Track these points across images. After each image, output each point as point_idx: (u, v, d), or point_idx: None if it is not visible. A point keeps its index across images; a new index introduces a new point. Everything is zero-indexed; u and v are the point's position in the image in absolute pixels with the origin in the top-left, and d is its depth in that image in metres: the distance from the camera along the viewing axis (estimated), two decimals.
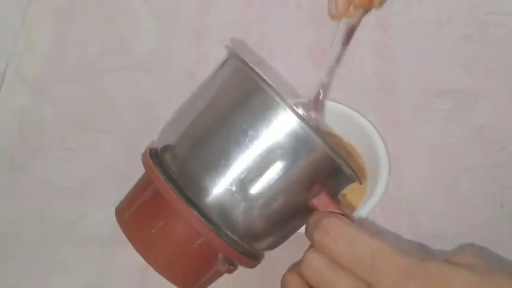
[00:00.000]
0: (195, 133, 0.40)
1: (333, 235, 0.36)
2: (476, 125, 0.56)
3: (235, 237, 0.40)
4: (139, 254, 0.41)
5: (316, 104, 0.49)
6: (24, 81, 0.61)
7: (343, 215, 0.39)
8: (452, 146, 0.55)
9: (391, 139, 0.54)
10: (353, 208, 0.49)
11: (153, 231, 0.40)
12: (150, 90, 0.60)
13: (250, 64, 0.39)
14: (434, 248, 0.50)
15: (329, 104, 0.54)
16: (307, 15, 0.64)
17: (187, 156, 0.40)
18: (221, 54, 0.42)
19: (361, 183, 0.41)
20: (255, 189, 0.38)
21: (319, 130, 0.38)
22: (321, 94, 0.49)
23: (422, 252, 0.49)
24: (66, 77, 0.61)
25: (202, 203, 0.39)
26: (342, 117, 0.54)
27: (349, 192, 0.50)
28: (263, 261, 0.43)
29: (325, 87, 0.49)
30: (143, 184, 0.43)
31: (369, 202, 0.48)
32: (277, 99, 0.37)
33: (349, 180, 0.40)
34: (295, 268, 0.38)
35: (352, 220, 0.39)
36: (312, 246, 0.38)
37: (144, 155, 0.43)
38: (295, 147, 0.37)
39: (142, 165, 0.44)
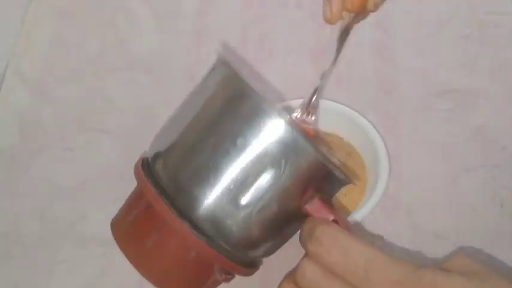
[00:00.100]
0: (184, 144, 0.40)
1: (326, 245, 0.36)
2: (476, 125, 0.56)
3: (229, 248, 0.39)
4: (135, 268, 0.40)
5: (310, 107, 0.49)
6: (24, 81, 0.61)
7: (336, 220, 0.39)
8: (452, 146, 0.55)
9: (391, 139, 0.54)
10: (347, 211, 0.49)
11: (148, 244, 0.40)
12: (150, 90, 0.60)
13: (237, 71, 0.39)
14: (435, 248, 0.50)
15: (329, 104, 0.54)
16: (307, 15, 0.64)
17: (178, 168, 0.40)
18: (221, 51, 0.42)
19: (354, 184, 0.41)
20: (246, 198, 0.38)
21: (308, 136, 0.37)
22: (315, 97, 0.49)
23: (418, 260, 0.49)
24: (66, 77, 0.61)
25: (195, 215, 0.38)
26: (342, 117, 0.54)
27: (349, 192, 0.50)
28: (261, 267, 0.43)
29: (319, 89, 0.49)
30: (136, 197, 0.42)
31: (369, 202, 0.48)
32: (264, 106, 0.37)
33: (342, 184, 0.40)
34: (291, 276, 0.38)
35: (346, 224, 0.39)
36: (306, 254, 0.38)
37: (136, 167, 0.42)
38: (285, 154, 0.37)
39: (141, 156, 0.44)
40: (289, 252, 0.41)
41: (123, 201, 0.44)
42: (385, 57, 0.60)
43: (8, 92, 0.61)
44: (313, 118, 0.49)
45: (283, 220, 0.40)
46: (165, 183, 0.40)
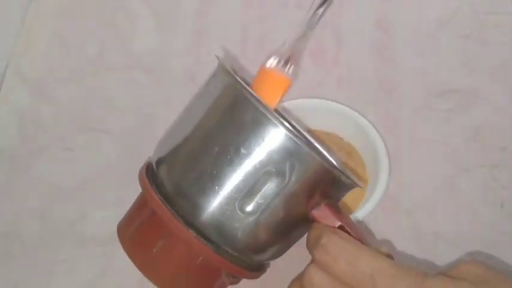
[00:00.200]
0: (188, 151, 0.40)
1: (333, 254, 0.36)
2: (476, 125, 0.56)
3: (235, 253, 0.39)
4: (143, 273, 0.40)
5: (290, 55, 0.45)
6: (24, 81, 0.61)
7: (343, 227, 0.38)
8: (452, 146, 0.55)
9: (391, 139, 0.54)
10: (353, 210, 0.49)
11: (154, 250, 0.40)
12: (150, 90, 0.60)
13: (238, 78, 0.39)
14: (434, 249, 0.50)
15: (329, 104, 0.54)
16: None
17: (182, 175, 0.39)
18: (221, 54, 0.41)
19: (360, 187, 0.41)
20: (251, 205, 0.37)
21: (312, 143, 0.37)
22: (295, 49, 0.46)
23: (418, 260, 0.49)
24: (66, 77, 0.61)
25: (199, 222, 0.38)
26: (342, 117, 0.54)
27: (349, 192, 0.50)
28: (269, 273, 0.43)
29: (302, 37, 0.46)
30: (141, 202, 0.42)
31: (369, 202, 0.48)
32: (268, 114, 0.37)
33: (348, 188, 0.40)
34: (299, 281, 0.38)
35: (354, 229, 0.38)
36: (313, 260, 0.37)
37: (140, 173, 0.42)
38: (289, 162, 0.37)
39: (142, 165, 0.43)
40: (294, 253, 0.42)
41: (123, 201, 0.44)
42: (385, 57, 0.60)
43: (8, 92, 0.61)
44: (291, 69, 0.44)
45: (289, 226, 0.39)
46: (169, 190, 0.39)
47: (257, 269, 0.42)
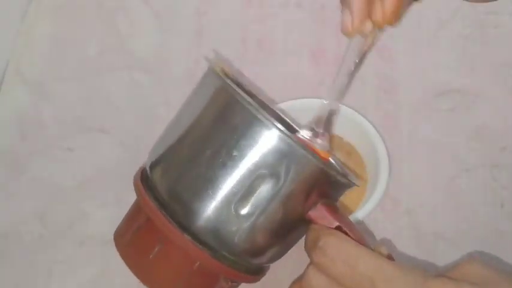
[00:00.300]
0: (181, 156, 0.40)
1: (331, 256, 0.36)
2: (476, 125, 0.56)
3: (233, 257, 0.39)
4: (140, 280, 0.40)
5: (324, 128, 0.45)
6: (24, 81, 0.61)
7: (341, 227, 0.38)
8: (452, 146, 0.55)
9: (391, 139, 0.54)
10: (351, 211, 0.49)
11: (150, 257, 0.39)
12: (150, 90, 0.60)
13: (229, 80, 0.38)
14: (435, 249, 0.50)
15: None
16: (307, 15, 0.64)
17: (176, 180, 0.39)
18: (221, 54, 0.41)
19: (358, 186, 0.41)
20: (246, 208, 0.37)
21: (305, 143, 0.37)
22: (328, 119, 0.46)
23: (418, 261, 0.49)
24: (66, 77, 0.61)
25: (195, 226, 0.38)
26: (342, 117, 0.54)
27: (349, 192, 0.50)
28: (267, 276, 0.43)
29: (333, 111, 0.46)
30: (136, 209, 0.42)
31: (369, 202, 0.48)
32: (258, 115, 0.36)
33: (346, 187, 0.40)
34: (298, 284, 0.38)
35: (352, 229, 0.38)
36: (312, 262, 0.37)
37: (135, 179, 0.42)
38: (283, 163, 0.36)
39: (141, 167, 0.43)
40: (294, 255, 0.42)
41: (123, 201, 0.44)
42: (385, 57, 0.60)
43: (8, 92, 0.61)
44: (323, 140, 0.43)
45: (287, 228, 0.39)
46: (164, 195, 0.39)
47: (256, 273, 0.41)
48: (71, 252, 0.51)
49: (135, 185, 0.41)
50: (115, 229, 0.44)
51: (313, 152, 0.37)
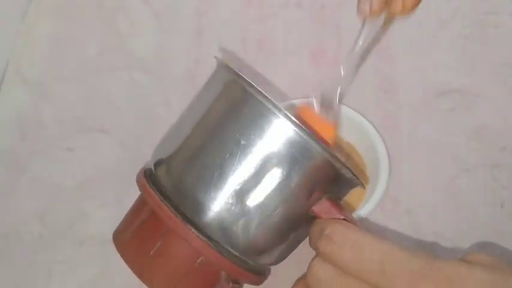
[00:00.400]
0: (187, 148, 0.39)
1: (338, 243, 0.35)
2: (476, 125, 0.56)
3: (236, 253, 0.38)
4: (139, 278, 0.39)
5: (335, 100, 0.45)
6: (24, 81, 0.61)
7: (346, 220, 0.37)
8: (452, 146, 0.55)
9: (391, 139, 0.54)
10: (353, 209, 0.49)
11: (151, 253, 0.39)
12: (150, 90, 0.60)
13: (238, 72, 0.38)
14: (435, 249, 0.50)
15: None
16: (307, 15, 0.64)
17: (182, 172, 0.39)
18: (220, 55, 0.41)
19: (364, 188, 0.40)
20: (252, 200, 0.37)
21: (315, 135, 0.36)
22: (337, 95, 0.46)
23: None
24: (66, 77, 0.61)
25: (200, 219, 0.37)
26: (342, 117, 0.54)
27: (349, 192, 0.50)
28: (269, 277, 0.43)
29: (346, 83, 0.45)
30: (138, 206, 0.42)
31: (369, 202, 0.48)
32: (268, 105, 0.36)
33: (351, 185, 0.40)
34: (302, 281, 0.37)
35: (356, 223, 0.38)
36: (317, 255, 0.36)
37: (138, 177, 0.42)
38: (291, 155, 0.36)
39: (142, 166, 0.43)
40: (294, 257, 0.41)
41: (123, 201, 0.44)
42: (385, 57, 0.60)
43: (8, 92, 0.61)
44: (334, 112, 0.44)
45: (291, 223, 0.38)
46: (169, 190, 0.39)
47: (258, 273, 0.41)
48: (71, 252, 0.52)
49: (138, 181, 0.41)
50: (115, 229, 0.43)
51: (322, 142, 0.37)
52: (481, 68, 0.59)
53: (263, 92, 0.37)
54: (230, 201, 0.37)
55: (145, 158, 0.43)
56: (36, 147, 0.57)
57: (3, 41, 0.64)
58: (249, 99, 0.37)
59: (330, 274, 0.35)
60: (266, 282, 0.43)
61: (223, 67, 0.40)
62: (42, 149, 0.57)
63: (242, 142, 0.36)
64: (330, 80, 0.45)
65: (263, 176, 0.37)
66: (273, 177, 0.37)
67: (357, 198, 0.50)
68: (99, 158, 0.56)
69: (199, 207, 0.37)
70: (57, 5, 0.66)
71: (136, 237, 0.40)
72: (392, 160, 0.51)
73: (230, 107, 0.38)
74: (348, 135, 0.54)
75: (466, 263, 0.34)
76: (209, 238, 0.38)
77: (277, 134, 0.36)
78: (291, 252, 0.41)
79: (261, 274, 0.41)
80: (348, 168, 0.38)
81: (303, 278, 0.37)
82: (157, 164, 0.41)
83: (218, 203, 0.37)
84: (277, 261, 0.41)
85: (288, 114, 0.36)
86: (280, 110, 0.36)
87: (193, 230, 0.38)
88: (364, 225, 0.49)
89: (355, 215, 0.48)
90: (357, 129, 0.53)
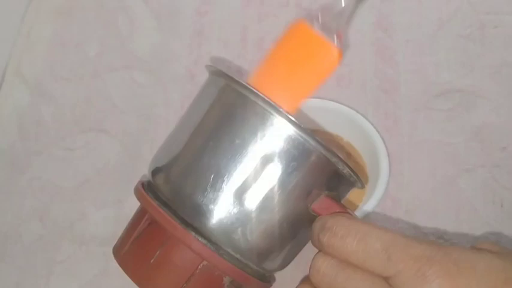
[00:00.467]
0: (183, 153, 0.39)
1: (341, 234, 0.34)
2: (476, 125, 0.56)
3: (238, 256, 0.38)
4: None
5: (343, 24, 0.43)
6: (24, 81, 0.61)
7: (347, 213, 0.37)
8: (452, 146, 0.55)
9: (391, 139, 0.54)
10: (354, 208, 0.49)
11: (152, 261, 0.38)
12: (150, 90, 0.60)
13: (229, 74, 0.38)
14: None
15: (329, 104, 0.54)
16: (308, 15, 0.64)
17: (179, 177, 0.39)
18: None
19: (363, 187, 0.40)
20: (251, 201, 0.37)
21: (313, 133, 0.36)
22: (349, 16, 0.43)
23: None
24: (66, 77, 0.61)
25: (199, 223, 0.37)
26: (342, 117, 0.54)
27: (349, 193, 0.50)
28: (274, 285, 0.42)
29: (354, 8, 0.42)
30: (137, 218, 0.41)
31: (369, 202, 0.48)
32: (263, 104, 0.36)
33: (350, 183, 0.39)
34: (306, 279, 0.37)
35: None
36: (319, 251, 0.36)
37: (136, 188, 0.41)
38: (287, 151, 0.36)
39: (142, 166, 0.43)
40: (295, 258, 0.41)
41: (123, 201, 0.44)
42: (385, 57, 0.60)
43: (8, 92, 0.61)
44: (338, 40, 0.42)
45: (292, 223, 0.38)
46: (167, 197, 0.39)
47: (262, 279, 0.40)
48: (70, 253, 0.52)
49: (137, 191, 0.41)
50: (115, 229, 0.43)
51: (318, 139, 0.36)
52: (481, 68, 0.59)
53: (255, 90, 0.37)
54: (228, 202, 0.37)
55: (145, 158, 0.43)
56: (36, 147, 0.57)
57: (3, 41, 0.64)
58: (242, 98, 0.37)
59: (333, 267, 0.35)
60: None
61: (214, 73, 0.40)
62: (42, 149, 0.57)
63: (237, 141, 0.36)
64: (330, 11, 0.44)
65: (259, 174, 0.36)
66: (270, 175, 0.36)
67: (357, 198, 0.50)
68: (99, 158, 0.56)
69: (197, 210, 0.37)
70: (57, 5, 0.66)
71: (136, 247, 0.40)
72: (392, 160, 0.51)
73: (223, 109, 0.38)
74: (348, 135, 0.54)
75: (474, 248, 0.33)
76: (209, 241, 0.37)
77: (270, 130, 0.36)
78: (293, 257, 0.41)
79: (264, 280, 0.40)
80: (344, 162, 0.37)
81: (307, 277, 0.37)
82: (155, 172, 0.41)
83: (216, 205, 0.37)
84: (280, 267, 0.41)
85: (281, 110, 0.36)
86: (275, 108, 0.36)
87: (193, 233, 0.37)
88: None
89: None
90: (357, 129, 0.53)
